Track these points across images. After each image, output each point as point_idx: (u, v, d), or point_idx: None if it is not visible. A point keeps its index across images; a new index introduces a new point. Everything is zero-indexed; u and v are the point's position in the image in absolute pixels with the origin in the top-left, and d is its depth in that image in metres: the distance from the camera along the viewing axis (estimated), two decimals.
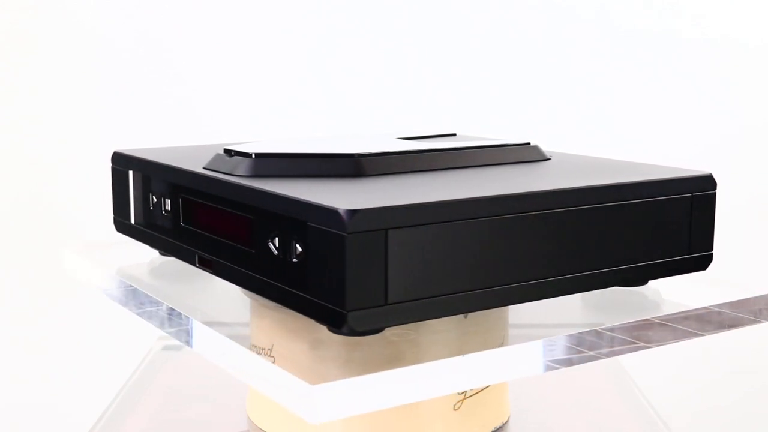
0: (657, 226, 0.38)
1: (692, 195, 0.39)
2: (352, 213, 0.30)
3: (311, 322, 0.39)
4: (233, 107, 0.84)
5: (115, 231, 0.48)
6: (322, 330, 0.39)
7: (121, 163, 0.47)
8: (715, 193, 0.40)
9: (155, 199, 0.44)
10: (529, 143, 0.45)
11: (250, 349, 0.41)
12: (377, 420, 0.40)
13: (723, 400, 0.86)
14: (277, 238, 0.34)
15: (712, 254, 0.40)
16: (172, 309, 0.40)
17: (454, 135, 0.50)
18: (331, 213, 0.31)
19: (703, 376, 0.86)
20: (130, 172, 0.46)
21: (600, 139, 0.83)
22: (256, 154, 0.39)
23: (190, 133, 0.83)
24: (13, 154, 0.85)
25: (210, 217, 0.40)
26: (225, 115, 0.84)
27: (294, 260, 0.33)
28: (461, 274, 0.33)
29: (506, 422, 0.44)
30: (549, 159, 0.44)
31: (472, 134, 0.53)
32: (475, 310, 0.34)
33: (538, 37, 0.83)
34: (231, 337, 0.36)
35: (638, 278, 0.39)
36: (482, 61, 0.84)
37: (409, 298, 0.32)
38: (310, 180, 0.37)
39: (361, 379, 0.31)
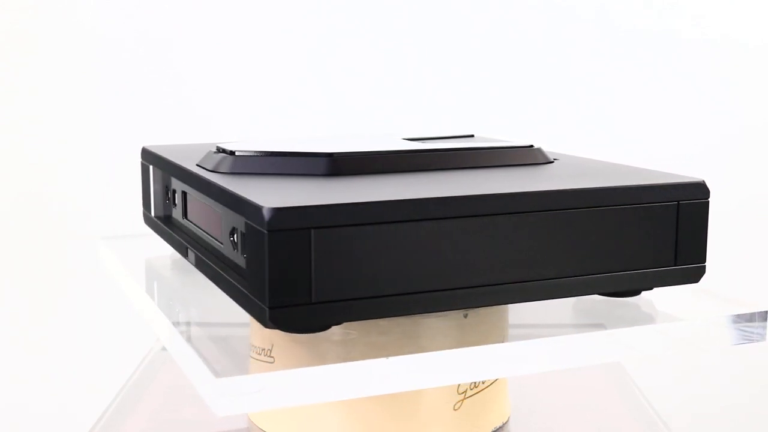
0: (637, 235, 0.36)
1: (679, 203, 0.37)
2: (274, 211, 0.31)
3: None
4: (233, 107, 0.84)
5: (143, 224, 0.50)
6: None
7: (146, 158, 0.48)
8: (707, 202, 0.37)
9: (168, 195, 0.46)
10: (531, 146, 0.43)
11: (250, 349, 0.41)
12: (376, 419, 0.40)
13: (724, 402, 0.86)
14: (235, 234, 0.35)
15: (704, 266, 0.38)
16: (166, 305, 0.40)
17: (471, 137, 0.49)
18: (257, 210, 0.31)
19: (704, 376, 0.86)
20: (151, 167, 0.48)
21: (600, 139, 0.83)
22: (238, 152, 0.40)
23: (190, 133, 0.83)
24: (13, 154, 0.85)
25: (197, 213, 0.41)
26: (225, 116, 0.84)
27: (244, 256, 0.34)
28: (392, 276, 0.32)
29: (506, 422, 0.44)
30: (551, 162, 0.43)
31: (500, 136, 0.52)
32: (409, 314, 0.34)
33: (538, 37, 0.83)
34: (229, 337, 0.36)
35: (618, 287, 0.37)
36: (482, 61, 0.84)
37: (335, 298, 0.32)
38: (283, 178, 0.37)
39: (265, 375, 0.31)
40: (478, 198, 0.33)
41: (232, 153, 0.40)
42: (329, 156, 0.38)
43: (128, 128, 0.84)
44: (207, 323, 0.40)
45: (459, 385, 0.40)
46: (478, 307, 0.35)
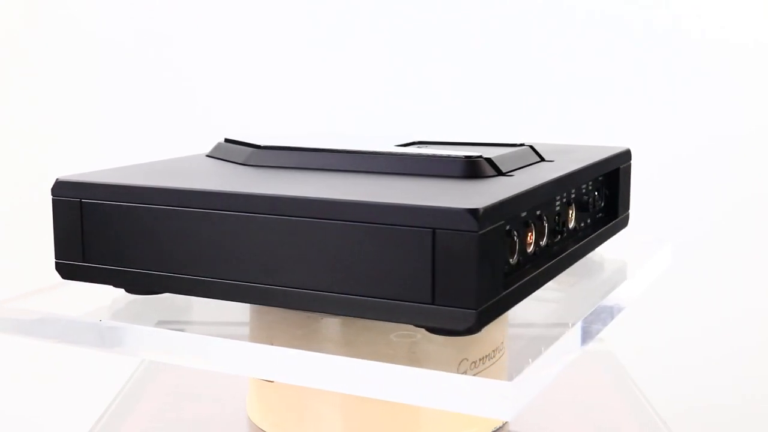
0: (381, 259, 0.32)
1: (434, 230, 0.31)
2: (58, 183, 0.38)
3: (308, 319, 0.39)
4: (233, 107, 0.85)
5: None
6: (319, 328, 0.39)
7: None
8: (475, 234, 0.30)
9: None
10: (471, 157, 0.39)
11: None
12: (376, 418, 0.40)
13: (722, 398, 0.86)
14: None
15: (472, 312, 0.31)
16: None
17: (522, 146, 0.45)
18: None
19: (703, 374, 0.86)
20: None
21: (599, 138, 0.83)
22: (225, 140, 0.47)
23: (189, 133, 0.83)
24: (12, 154, 0.85)
25: None
26: (224, 115, 0.84)
27: None
28: (150, 254, 0.36)
29: (506, 422, 0.44)
30: (501, 174, 0.39)
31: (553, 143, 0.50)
32: (160, 293, 0.38)
33: (538, 37, 0.83)
34: (230, 336, 0.36)
35: (354, 313, 0.33)
36: (482, 61, 0.84)
37: (103, 263, 0.38)
38: (216, 162, 0.44)
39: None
40: (204, 193, 0.35)
41: (225, 141, 0.47)
42: (256, 147, 0.43)
43: (127, 128, 0.84)
44: (207, 321, 0.41)
45: None
46: (218, 299, 0.36)
